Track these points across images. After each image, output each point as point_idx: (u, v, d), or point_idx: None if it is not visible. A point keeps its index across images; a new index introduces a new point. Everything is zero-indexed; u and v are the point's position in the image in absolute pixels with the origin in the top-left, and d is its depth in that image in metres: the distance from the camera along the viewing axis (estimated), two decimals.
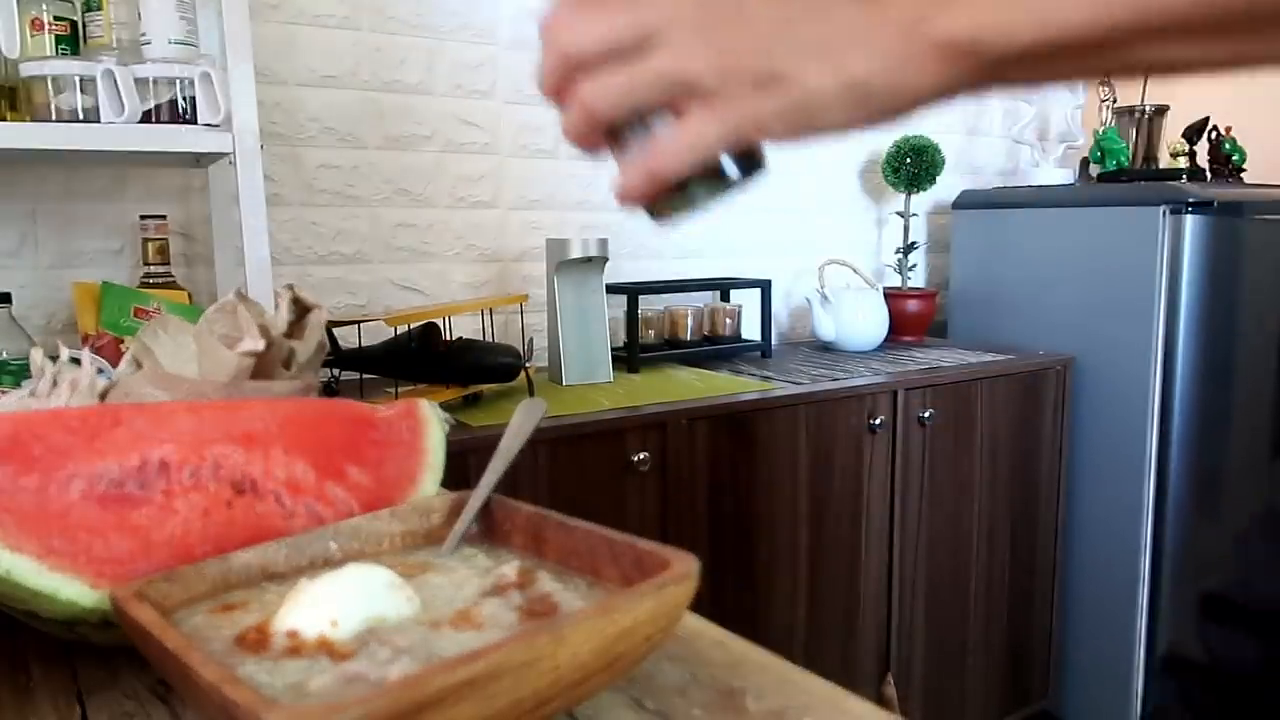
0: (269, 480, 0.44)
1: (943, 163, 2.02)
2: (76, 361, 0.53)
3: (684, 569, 0.35)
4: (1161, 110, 2.17)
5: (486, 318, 1.63)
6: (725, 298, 1.89)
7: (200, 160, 1.31)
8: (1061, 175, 2.20)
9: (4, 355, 1.12)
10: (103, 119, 1.06)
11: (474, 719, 0.28)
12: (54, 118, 1.07)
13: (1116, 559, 1.86)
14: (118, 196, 1.41)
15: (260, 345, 0.51)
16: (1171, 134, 2.13)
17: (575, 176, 1.79)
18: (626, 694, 0.37)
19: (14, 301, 1.16)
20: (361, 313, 1.58)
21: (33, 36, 1.07)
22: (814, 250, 2.07)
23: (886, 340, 1.93)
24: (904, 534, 1.64)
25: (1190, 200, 1.74)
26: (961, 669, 1.79)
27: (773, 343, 1.86)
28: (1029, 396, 1.81)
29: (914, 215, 2.09)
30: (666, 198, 0.37)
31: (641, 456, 1.32)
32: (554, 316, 1.56)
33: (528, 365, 1.41)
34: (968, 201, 2.14)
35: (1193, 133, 2.07)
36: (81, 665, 0.42)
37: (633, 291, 1.66)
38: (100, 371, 0.68)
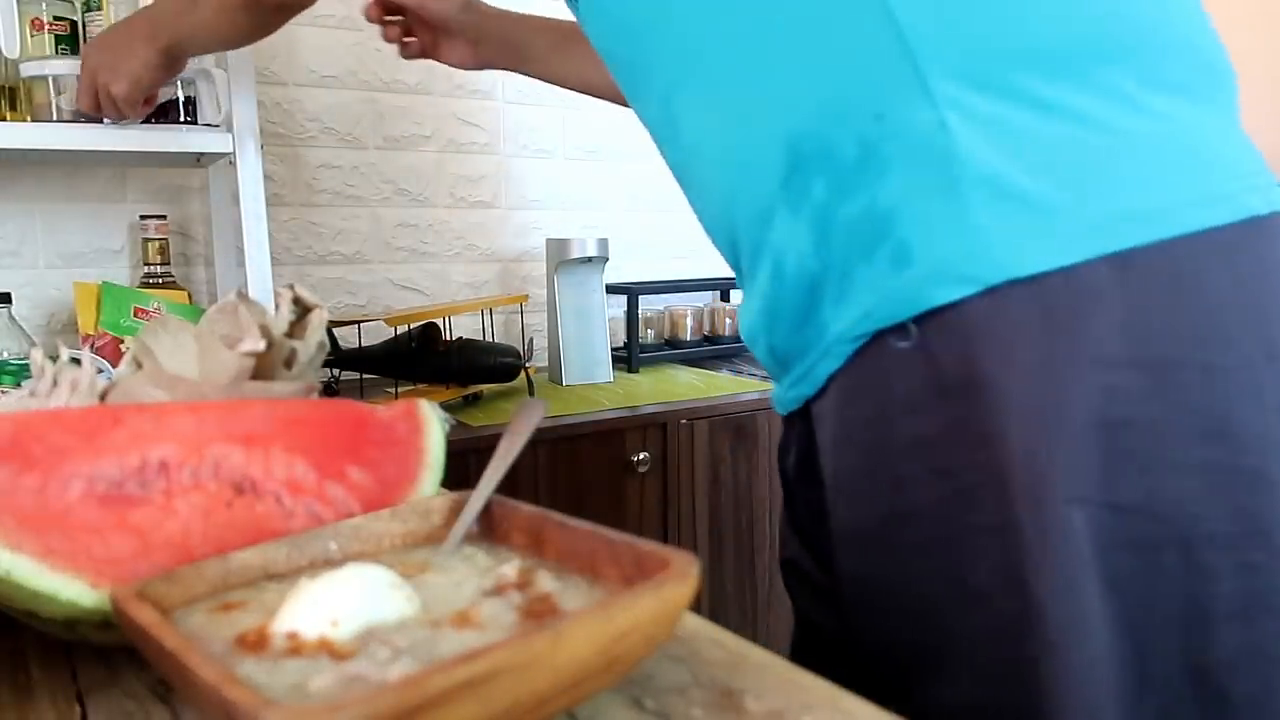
0: (269, 480, 0.44)
1: None
2: (76, 361, 0.53)
3: (684, 569, 0.34)
4: None
5: (486, 318, 1.63)
6: (725, 298, 1.89)
7: (200, 160, 1.31)
8: None
9: (4, 355, 1.12)
10: (103, 119, 1.06)
11: (474, 719, 0.28)
12: (54, 118, 1.06)
13: None
14: (118, 196, 1.41)
15: (261, 345, 0.51)
16: None
17: (575, 176, 1.79)
18: (626, 694, 0.37)
19: (14, 301, 1.16)
20: (361, 313, 1.58)
21: (33, 36, 1.07)
22: None
23: None
24: None
25: None
26: None
27: None
28: None
29: None
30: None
31: (641, 456, 1.32)
32: (554, 316, 1.56)
33: (528, 365, 1.41)
34: None
35: None
36: (81, 665, 0.42)
37: (633, 291, 1.65)
38: (100, 371, 0.68)
